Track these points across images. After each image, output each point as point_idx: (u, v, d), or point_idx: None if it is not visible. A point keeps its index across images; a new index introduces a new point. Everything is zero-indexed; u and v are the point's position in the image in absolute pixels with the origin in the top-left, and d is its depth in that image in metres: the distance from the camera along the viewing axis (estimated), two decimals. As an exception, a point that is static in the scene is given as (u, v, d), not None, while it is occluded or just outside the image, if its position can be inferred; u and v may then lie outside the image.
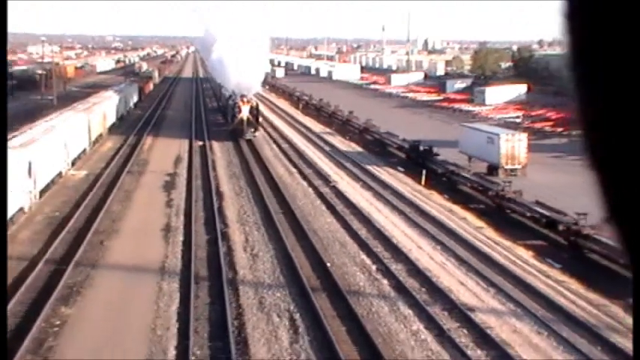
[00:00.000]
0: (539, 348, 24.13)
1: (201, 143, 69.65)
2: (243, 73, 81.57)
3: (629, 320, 27.15)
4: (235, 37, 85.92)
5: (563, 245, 36.87)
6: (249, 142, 69.03)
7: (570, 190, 48.79)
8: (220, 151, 64.70)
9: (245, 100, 73.43)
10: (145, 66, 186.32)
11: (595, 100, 0.89)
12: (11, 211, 36.88)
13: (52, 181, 47.57)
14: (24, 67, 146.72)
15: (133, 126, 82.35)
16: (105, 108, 74.61)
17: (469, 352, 23.33)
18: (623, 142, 0.82)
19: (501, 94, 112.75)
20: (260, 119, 75.48)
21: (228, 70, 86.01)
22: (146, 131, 77.45)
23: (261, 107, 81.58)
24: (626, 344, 24.63)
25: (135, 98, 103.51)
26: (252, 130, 71.21)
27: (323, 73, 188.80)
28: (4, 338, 11.07)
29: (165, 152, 64.81)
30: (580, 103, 0.96)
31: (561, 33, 0.96)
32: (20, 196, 38.82)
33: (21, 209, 38.89)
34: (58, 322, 25.80)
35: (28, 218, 39.73)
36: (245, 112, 71.05)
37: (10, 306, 26.68)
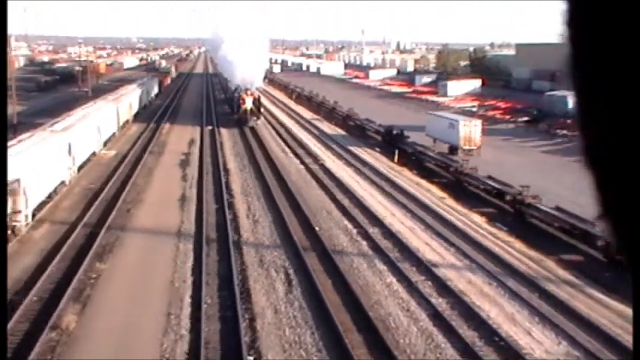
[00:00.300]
0: (489, 296, 24.49)
1: (210, 128, 69.63)
2: (246, 69, 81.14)
3: (561, 272, 27.68)
4: (239, 37, 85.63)
5: (509, 212, 37.35)
6: (252, 127, 68.78)
7: (515, 167, 49.37)
8: (227, 135, 64.75)
9: (249, 92, 72.57)
10: (163, 63, 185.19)
11: (594, 100, 0.84)
12: (55, 183, 37.16)
13: (88, 159, 47.64)
14: (64, 65, 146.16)
15: (153, 113, 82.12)
16: (131, 98, 74.46)
17: (432, 300, 23.71)
18: (623, 142, 0.77)
19: (460, 87, 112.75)
20: (261, 109, 74.24)
21: (233, 66, 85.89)
22: (164, 118, 77.31)
23: (262, 99, 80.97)
24: (558, 291, 25.06)
25: (155, 90, 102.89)
26: (255, 118, 70.38)
27: (313, 69, 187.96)
28: (4, 338, 11.01)
29: (180, 135, 64.75)
30: (579, 104, 0.88)
31: (562, 36, 0.88)
32: (62, 172, 38.97)
33: (62, 182, 39.02)
34: (94, 276, 26.08)
35: (68, 190, 39.86)
36: (249, 104, 70.34)
37: (53, 264, 27.03)
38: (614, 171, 0.81)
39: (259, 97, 74.84)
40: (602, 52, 0.78)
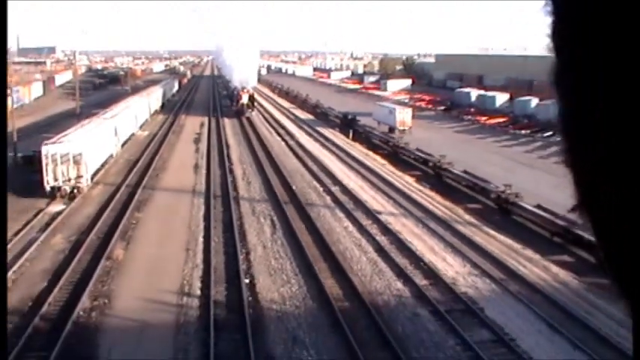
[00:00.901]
0: (416, 234, 24.59)
1: (215, 115, 68.74)
2: (243, 71, 78.15)
3: (466, 216, 27.91)
4: (236, 47, 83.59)
5: (431, 174, 37.50)
6: (247, 117, 66.81)
7: (436, 142, 49.43)
8: (228, 121, 63.96)
9: (245, 90, 68.77)
10: (182, 68, 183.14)
11: (579, 107, 0.72)
12: (106, 156, 36.84)
13: (128, 138, 47.01)
14: (112, 70, 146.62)
15: (174, 104, 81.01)
16: (158, 94, 73.25)
17: (377, 238, 23.82)
18: (608, 143, 0.68)
19: (397, 85, 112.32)
20: (255, 103, 69.64)
21: (232, 69, 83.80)
22: (182, 109, 76.46)
23: (255, 95, 79.52)
24: (464, 230, 25.29)
25: (176, 87, 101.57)
26: (250, 110, 66.25)
27: (290, 72, 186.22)
28: (4, 338, 11.07)
29: (194, 121, 64.10)
30: (565, 109, 0.73)
31: (547, 47, 0.74)
32: (111, 148, 38.62)
33: (111, 155, 38.58)
34: (134, 222, 25.93)
35: (114, 161, 39.21)
36: (245, 99, 66.55)
37: (105, 213, 26.84)
38: (595, 169, 0.73)
39: (253, 93, 70.53)
40: (587, 61, 0.70)
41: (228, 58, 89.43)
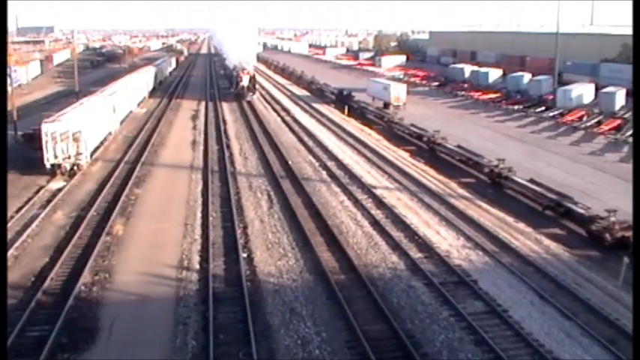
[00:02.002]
0: (411, 207, 24.56)
1: (211, 91, 68.16)
2: (242, 51, 71.20)
3: (460, 190, 27.88)
4: (234, 25, 80.00)
5: (425, 149, 37.38)
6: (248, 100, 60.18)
7: (430, 117, 49.32)
8: (224, 98, 63.47)
9: (245, 71, 62.06)
10: (179, 46, 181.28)
11: None
12: (105, 133, 36.57)
13: (127, 116, 46.61)
14: (110, 49, 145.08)
15: (172, 82, 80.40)
16: (156, 71, 72.41)
17: (372, 212, 23.77)
18: None
19: (391, 61, 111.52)
20: (256, 86, 62.54)
21: (231, 49, 78.51)
22: (180, 85, 75.86)
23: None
24: (457, 203, 25.27)
25: (173, 65, 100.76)
26: (251, 94, 59.82)
27: (285, 49, 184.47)
28: (4, 338, 11.03)
29: (191, 97, 63.73)
30: None
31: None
32: (109, 125, 38.32)
33: (110, 132, 38.28)
34: (133, 197, 25.78)
35: (113, 137, 38.95)
36: (245, 81, 60.27)
37: (105, 189, 26.69)
38: None
39: (254, 75, 63.32)
40: None
41: (225, 36, 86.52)
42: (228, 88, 68.94)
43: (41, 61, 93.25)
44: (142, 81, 58.78)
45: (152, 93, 64.56)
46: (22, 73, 73.20)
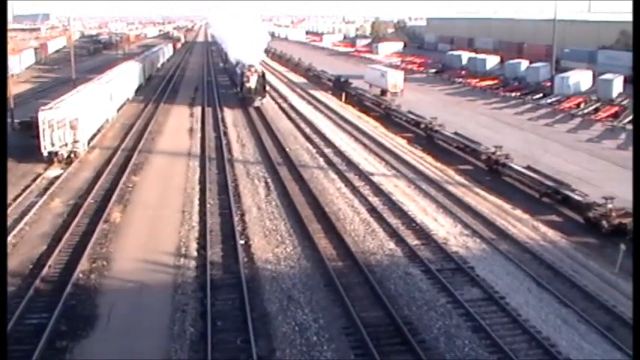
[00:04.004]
0: (408, 195, 24.50)
1: (209, 79, 67.68)
2: (248, 45, 53.07)
3: (457, 177, 27.85)
4: (236, 14, 71.43)
5: (423, 136, 37.35)
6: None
7: (427, 104, 49.24)
8: (222, 85, 63.29)
9: (252, 70, 47.90)
10: (175, 33, 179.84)
11: None
12: (102, 121, 36.37)
13: (124, 103, 46.34)
14: (106, 37, 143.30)
15: (169, 69, 79.94)
16: (153, 59, 71.96)
17: (369, 199, 23.71)
18: None
19: (388, 48, 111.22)
20: (266, 87, 49.42)
21: (233, 42, 60.33)
22: (177, 72, 75.49)
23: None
24: (455, 190, 25.24)
25: (170, 52, 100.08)
26: (260, 98, 46.92)
27: (282, 36, 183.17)
28: (4, 338, 10.99)
29: (188, 83, 63.47)
30: None
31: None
32: (106, 113, 38.12)
33: (107, 120, 38.09)
34: (131, 185, 25.66)
35: (111, 125, 38.73)
36: (252, 82, 46.88)
37: (102, 177, 26.57)
38: None
39: (263, 73, 49.11)
40: None
41: (226, 27, 74.79)
42: (232, 89, 58.18)
43: (36, 49, 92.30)
44: (138, 69, 58.30)
45: (149, 80, 64.13)
46: (16, 62, 72.30)
